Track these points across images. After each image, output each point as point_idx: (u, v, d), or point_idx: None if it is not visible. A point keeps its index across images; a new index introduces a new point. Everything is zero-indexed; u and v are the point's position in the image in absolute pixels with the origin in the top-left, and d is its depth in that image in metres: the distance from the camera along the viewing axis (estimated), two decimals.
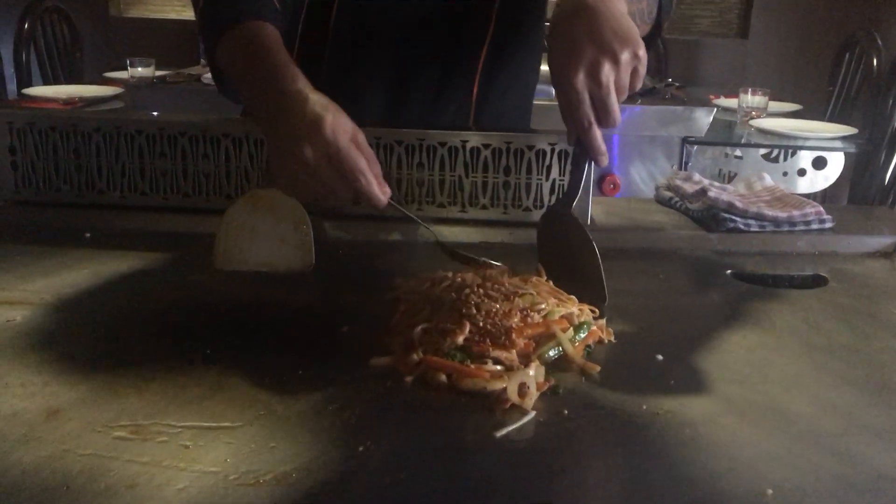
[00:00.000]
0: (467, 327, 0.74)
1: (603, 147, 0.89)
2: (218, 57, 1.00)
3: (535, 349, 0.75)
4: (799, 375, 0.77)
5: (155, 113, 1.24)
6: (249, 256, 0.99)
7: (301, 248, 0.99)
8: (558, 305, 0.80)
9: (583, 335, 0.79)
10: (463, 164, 1.13)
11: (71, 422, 0.64)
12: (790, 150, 2.61)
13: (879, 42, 3.03)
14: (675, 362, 0.78)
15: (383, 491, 0.57)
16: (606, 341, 0.82)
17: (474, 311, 0.76)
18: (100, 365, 0.74)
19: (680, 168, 2.57)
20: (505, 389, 0.68)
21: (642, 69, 0.87)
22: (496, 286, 0.81)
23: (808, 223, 1.17)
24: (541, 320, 0.77)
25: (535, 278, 0.86)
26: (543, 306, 0.79)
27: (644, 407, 0.69)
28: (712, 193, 1.19)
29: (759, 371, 0.77)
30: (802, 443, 0.64)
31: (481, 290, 0.80)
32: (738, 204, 1.17)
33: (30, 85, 3.01)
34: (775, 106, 2.89)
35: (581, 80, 0.84)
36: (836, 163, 2.62)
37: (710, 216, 1.17)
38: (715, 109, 2.58)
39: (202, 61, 3.49)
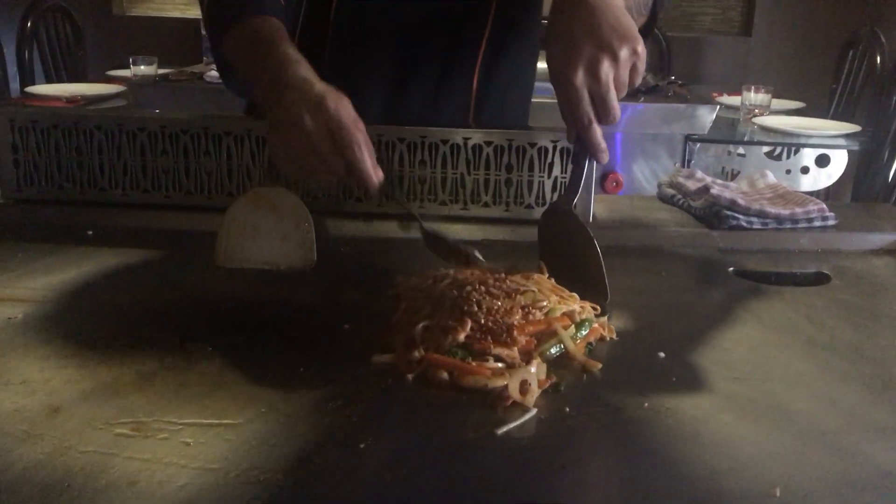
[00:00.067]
0: (469, 325, 0.74)
1: (603, 144, 0.89)
2: (224, 51, 1.01)
3: (536, 346, 0.75)
4: (801, 373, 0.77)
5: (157, 111, 1.24)
6: (251, 254, 0.99)
7: (303, 245, 0.99)
8: (560, 303, 0.80)
9: (584, 332, 0.79)
10: (465, 161, 1.13)
11: (72, 419, 0.64)
12: (793, 148, 2.61)
13: (883, 39, 3.02)
14: (676, 360, 0.78)
15: (384, 488, 0.57)
16: (608, 339, 0.82)
17: (476, 309, 0.76)
18: (101, 362, 0.74)
19: (683, 166, 2.57)
20: (506, 387, 0.68)
21: (641, 65, 0.87)
22: (498, 283, 0.81)
23: (810, 220, 1.17)
24: (542, 318, 0.77)
25: (536, 276, 0.86)
26: (545, 303, 0.79)
27: (646, 404, 0.69)
28: (715, 191, 1.19)
29: (761, 369, 0.77)
30: (804, 440, 0.64)
31: (483, 288, 0.80)
32: (741, 201, 1.16)
33: (33, 83, 3.01)
34: (778, 103, 2.89)
35: (580, 77, 0.84)
36: (840, 160, 2.61)
37: (713, 214, 1.17)
38: (718, 107, 2.58)
39: (205, 59, 3.50)
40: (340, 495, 0.56)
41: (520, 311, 0.77)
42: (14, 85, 3.17)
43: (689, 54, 4.15)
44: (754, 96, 2.71)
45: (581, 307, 0.82)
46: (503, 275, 0.83)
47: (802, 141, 2.58)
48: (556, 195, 1.13)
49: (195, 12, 4.11)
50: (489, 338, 0.73)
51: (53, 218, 1.15)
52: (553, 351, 0.75)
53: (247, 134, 1.13)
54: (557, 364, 0.75)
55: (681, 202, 1.25)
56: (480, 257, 0.91)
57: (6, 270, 0.96)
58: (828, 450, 0.63)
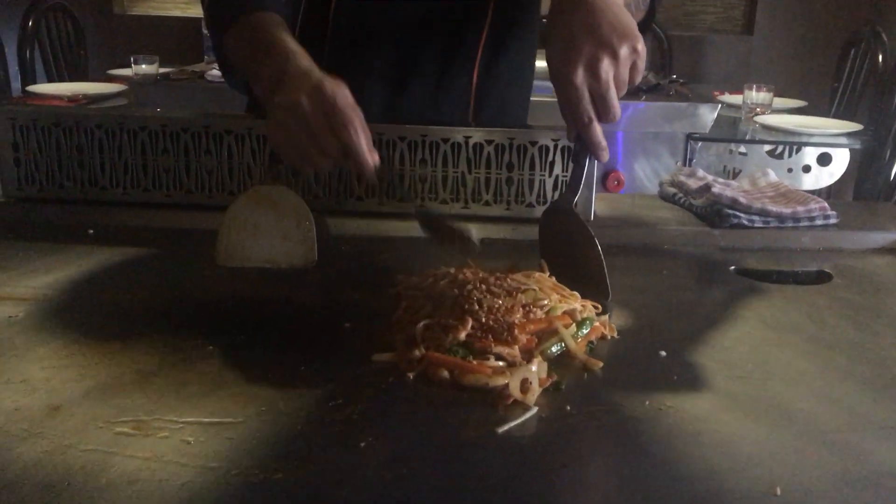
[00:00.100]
0: (469, 323, 0.74)
1: (603, 142, 0.88)
2: (226, 48, 1.01)
3: (537, 345, 0.75)
4: (802, 372, 0.77)
5: (158, 109, 1.24)
6: (252, 253, 0.99)
7: (303, 244, 0.99)
8: (561, 301, 0.80)
9: (585, 331, 0.79)
10: (465, 160, 1.13)
11: (73, 417, 0.64)
12: (795, 147, 2.61)
13: (885, 38, 3.02)
14: (677, 358, 0.78)
15: (385, 487, 0.57)
16: (609, 337, 0.82)
17: (476, 307, 0.76)
18: (101, 361, 0.74)
19: (684, 164, 2.56)
20: (507, 385, 0.68)
21: (641, 63, 0.87)
22: (498, 282, 0.81)
23: (812, 219, 1.16)
24: (543, 316, 0.77)
25: (537, 274, 0.86)
26: (546, 302, 0.79)
27: (647, 403, 0.69)
28: (716, 189, 1.18)
29: (763, 367, 0.77)
30: (806, 439, 0.64)
31: (483, 286, 0.80)
32: (742, 200, 1.16)
33: (34, 82, 3.02)
34: (780, 102, 2.89)
35: (580, 76, 0.84)
36: (841, 159, 2.61)
37: (714, 212, 1.17)
38: (719, 106, 2.57)
39: (206, 58, 3.49)
40: (340, 494, 0.56)
41: (521, 309, 0.77)
42: (15, 84, 3.17)
43: (690, 53, 4.15)
44: (756, 95, 2.71)
45: (582, 306, 0.82)
46: (504, 273, 0.83)
47: (804, 140, 2.58)
48: (556, 194, 1.13)
49: (196, 11, 4.11)
50: (490, 336, 0.73)
51: (54, 217, 1.15)
52: (554, 349, 0.75)
53: (248, 133, 1.13)
54: (558, 363, 0.75)
55: (682, 201, 1.25)
56: (475, 237, 0.91)
57: (7, 269, 0.96)
58: (829, 449, 0.63)
